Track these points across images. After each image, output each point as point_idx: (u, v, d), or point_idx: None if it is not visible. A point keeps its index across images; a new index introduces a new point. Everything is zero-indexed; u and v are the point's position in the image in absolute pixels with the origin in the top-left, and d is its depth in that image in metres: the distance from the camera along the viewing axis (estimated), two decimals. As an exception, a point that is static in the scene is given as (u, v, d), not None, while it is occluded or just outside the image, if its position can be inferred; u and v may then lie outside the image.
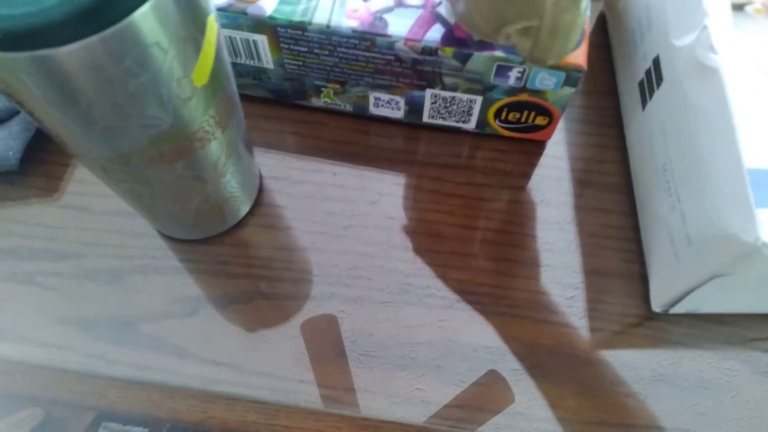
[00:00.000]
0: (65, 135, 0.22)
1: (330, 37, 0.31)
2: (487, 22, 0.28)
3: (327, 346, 0.30)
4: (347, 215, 0.34)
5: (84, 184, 0.35)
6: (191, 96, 0.22)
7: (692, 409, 0.30)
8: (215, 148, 0.26)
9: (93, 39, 0.17)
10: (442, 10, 0.31)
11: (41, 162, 0.35)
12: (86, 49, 0.18)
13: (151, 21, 0.19)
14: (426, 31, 0.31)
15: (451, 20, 0.31)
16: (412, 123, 0.37)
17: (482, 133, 0.37)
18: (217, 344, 0.30)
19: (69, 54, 0.18)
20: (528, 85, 0.32)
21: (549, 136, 0.36)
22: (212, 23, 0.22)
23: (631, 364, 0.31)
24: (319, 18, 0.31)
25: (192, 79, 0.22)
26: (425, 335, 0.31)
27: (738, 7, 0.28)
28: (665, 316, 0.32)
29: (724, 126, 0.26)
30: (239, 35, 0.32)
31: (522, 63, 0.31)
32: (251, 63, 0.34)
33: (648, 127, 0.33)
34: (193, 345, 0.30)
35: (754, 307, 0.30)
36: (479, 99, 0.34)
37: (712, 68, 0.27)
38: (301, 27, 0.31)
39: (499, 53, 0.30)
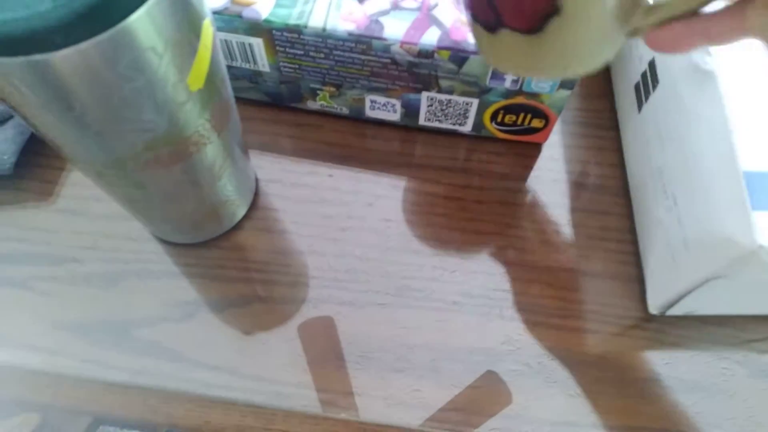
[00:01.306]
0: (59, 140, 0.22)
1: (326, 41, 0.31)
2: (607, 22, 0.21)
3: (324, 349, 0.30)
4: (343, 218, 0.34)
5: (79, 188, 0.34)
6: (186, 100, 0.22)
7: (689, 410, 0.30)
8: (211, 152, 0.26)
9: (88, 44, 0.17)
10: (438, 12, 0.31)
11: (36, 166, 0.35)
12: (81, 54, 0.18)
13: (146, 25, 0.18)
14: (422, 33, 0.31)
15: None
16: (409, 126, 0.37)
17: (478, 135, 0.37)
18: (214, 348, 0.30)
19: (64, 59, 0.17)
20: (524, 88, 0.32)
21: (545, 138, 0.36)
22: (207, 27, 0.22)
23: (628, 366, 0.31)
24: (315, 21, 0.31)
25: (187, 83, 0.22)
26: (422, 337, 0.31)
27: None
28: (662, 318, 0.32)
29: (720, 129, 0.26)
30: (235, 38, 0.32)
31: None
32: (247, 66, 0.34)
33: (644, 130, 0.33)
34: (190, 349, 0.30)
35: (750, 308, 0.30)
36: (475, 102, 0.34)
37: (707, 71, 0.27)
38: (297, 30, 0.31)
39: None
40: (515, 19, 0.20)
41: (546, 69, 0.22)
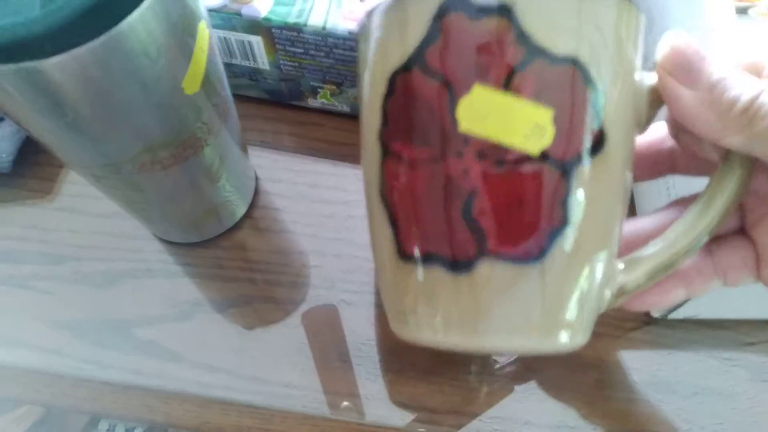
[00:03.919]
0: (54, 144, 0.21)
1: (326, 39, 0.31)
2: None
3: (324, 350, 0.30)
4: (345, 217, 0.34)
5: (78, 186, 0.34)
6: (182, 104, 0.22)
7: (691, 414, 0.29)
8: (209, 154, 0.26)
9: (79, 50, 0.17)
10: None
11: (34, 163, 0.35)
12: (73, 60, 0.17)
13: (139, 30, 0.18)
14: (423, 32, 0.30)
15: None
16: (410, 123, 0.37)
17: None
18: (213, 348, 0.30)
19: (55, 66, 0.17)
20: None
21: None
22: (203, 30, 0.21)
23: (630, 369, 0.30)
24: (315, 20, 0.30)
25: (183, 87, 0.21)
26: (422, 340, 0.31)
27: (742, 11, 0.28)
28: (664, 321, 0.32)
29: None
30: (234, 36, 0.32)
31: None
32: (246, 64, 0.34)
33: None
34: (189, 349, 0.30)
35: (751, 312, 0.30)
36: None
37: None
38: (297, 29, 0.30)
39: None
40: (511, 237, 0.14)
41: (531, 330, 0.17)
